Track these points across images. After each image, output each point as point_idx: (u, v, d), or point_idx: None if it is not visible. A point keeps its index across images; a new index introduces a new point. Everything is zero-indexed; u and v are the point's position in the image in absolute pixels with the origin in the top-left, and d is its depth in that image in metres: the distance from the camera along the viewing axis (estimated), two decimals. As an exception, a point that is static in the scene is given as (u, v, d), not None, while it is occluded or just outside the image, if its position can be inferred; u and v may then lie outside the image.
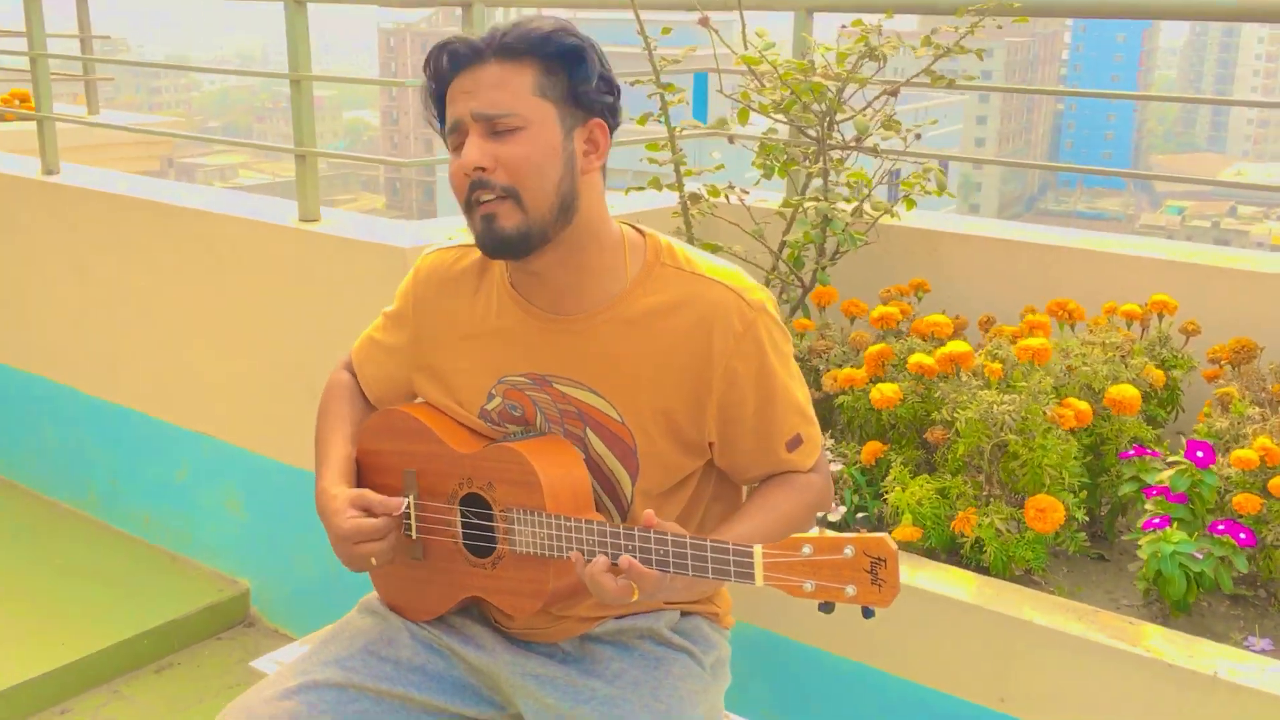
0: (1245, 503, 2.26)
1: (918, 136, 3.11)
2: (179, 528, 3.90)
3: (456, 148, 1.67)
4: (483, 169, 1.63)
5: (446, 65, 1.67)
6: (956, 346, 2.52)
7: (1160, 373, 2.63)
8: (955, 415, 2.42)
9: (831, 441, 2.73)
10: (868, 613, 1.47)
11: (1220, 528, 2.23)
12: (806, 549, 1.46)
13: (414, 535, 1.82)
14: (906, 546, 2.43)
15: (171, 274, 3.75)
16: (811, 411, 1.82)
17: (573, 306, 1.74)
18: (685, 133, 3.18)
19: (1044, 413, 2.34)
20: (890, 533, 2.46)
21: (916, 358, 2.58)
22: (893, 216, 3.30)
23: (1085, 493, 2.42)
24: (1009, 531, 2.32)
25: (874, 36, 3.06)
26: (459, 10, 3.21)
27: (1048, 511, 2.27)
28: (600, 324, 1.73)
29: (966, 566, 2.39)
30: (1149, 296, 2.85)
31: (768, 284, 3.34)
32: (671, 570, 1.55)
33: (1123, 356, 2.61)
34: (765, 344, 1.73)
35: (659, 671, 1.81)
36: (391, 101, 79.52)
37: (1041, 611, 2.19)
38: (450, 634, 1.87)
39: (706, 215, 3.24)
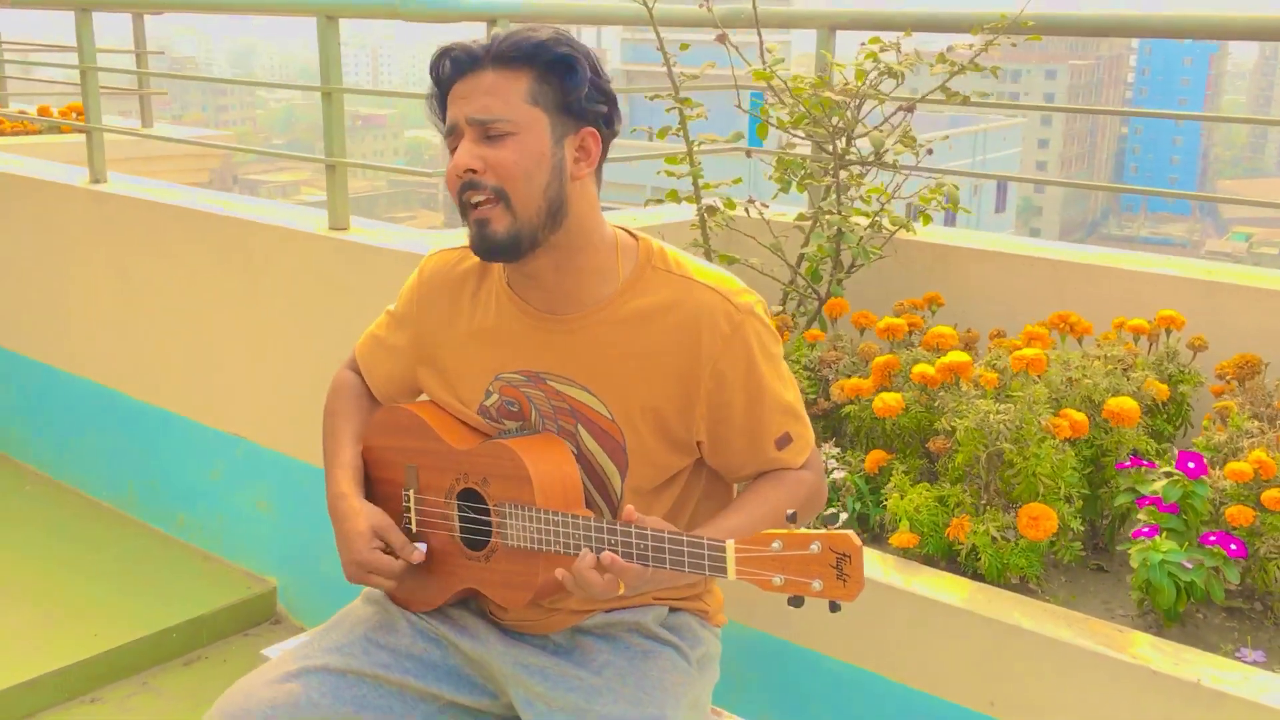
0: (1238, 515, 2.28)
1: (929, 152, 3.15)
2: (212, 527, 4.00)
3: (454, 150, 1.74)
4: (473, 171, 1.70)
5: (448, 71, 1.74)
6: (956, 357, 2.56)
7: (1164, 386, 2.65)
8: (955, 424, 2.46)
9: (838, 450, 2.77)
10: (834, 606, 1.51)
11: (1211, 539, 2.25)
12: (776, 544, 1.52)
13: (414, 529, 1.89)
14: (904, 553, 2.46)
15: (208, 280, 3.86)
16: (802, 411, 1.87)
17: (566, 307, 1.80)
18: (703, 147, 3.24)
19: (1039, 422, 2.37)
20: (889, 539, 2.51)
21: (919, 368, 2.62)
22: (909, 231, 3.34)
23: (1081, 503, 2.44)
24: (1003, 539, 2.35)
25: (892, 54, 3.11)
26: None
27: (1040, 520, 2.30)
28: (592, 324, 1.79)
29: (963, 574, 2.42)
30: (1160, 312, 2.87)
31: (785, 297, 3.39)
32: (651, 564, 1.60)
33: (1124, 370, 2.63)
34: (753, 346, 1.78)
35: (644, 664, 1.86)
36: (450, 120, 79.72)
37: (1031, 618, 2.21)
38: (447, 624, 1.93)
39: (724, 228, 3.30)
